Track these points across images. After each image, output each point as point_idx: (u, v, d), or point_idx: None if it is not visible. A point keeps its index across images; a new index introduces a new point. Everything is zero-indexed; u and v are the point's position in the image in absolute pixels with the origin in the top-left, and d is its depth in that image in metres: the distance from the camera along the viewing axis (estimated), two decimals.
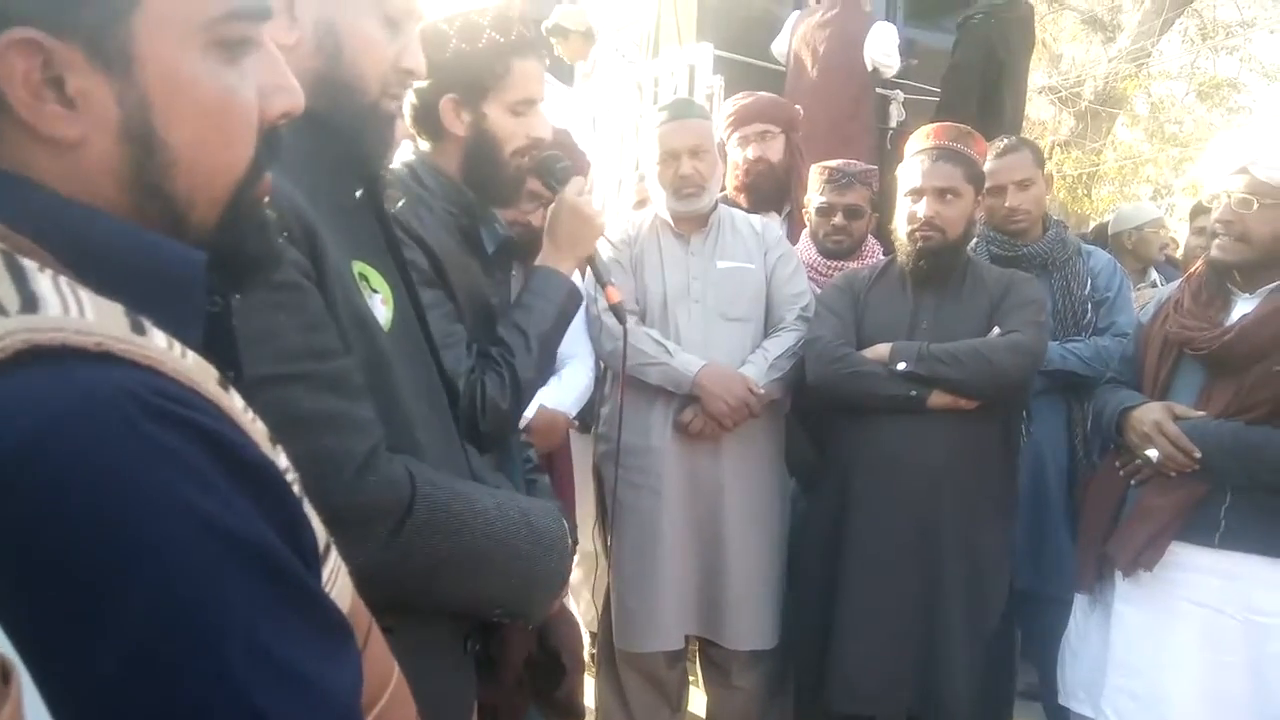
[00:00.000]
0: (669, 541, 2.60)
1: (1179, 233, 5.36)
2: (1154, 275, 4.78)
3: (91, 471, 0.49)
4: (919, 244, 2.49)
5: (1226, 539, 2.14)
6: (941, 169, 2.49)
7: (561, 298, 1.74)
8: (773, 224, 3.04)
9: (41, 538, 0.48)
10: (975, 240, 2.89)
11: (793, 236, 3.12)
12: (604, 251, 2.68)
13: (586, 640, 3.19)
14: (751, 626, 2.64)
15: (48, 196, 0.60)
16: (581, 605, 3.40)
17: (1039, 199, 3.01)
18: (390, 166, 1.31)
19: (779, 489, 2.73)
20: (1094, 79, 12.45)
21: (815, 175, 3.07)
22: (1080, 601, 2.45)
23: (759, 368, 2.59)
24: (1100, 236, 4.87)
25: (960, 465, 2.42)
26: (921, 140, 2.59)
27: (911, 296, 2.56)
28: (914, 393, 2.41)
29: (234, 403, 0.59)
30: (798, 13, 4.69)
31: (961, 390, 2.40)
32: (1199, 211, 4.18)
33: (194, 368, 0.56)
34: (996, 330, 2.45)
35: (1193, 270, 2.38)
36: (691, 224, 2.70)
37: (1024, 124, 4.95)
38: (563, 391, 2.65)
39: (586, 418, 2.88)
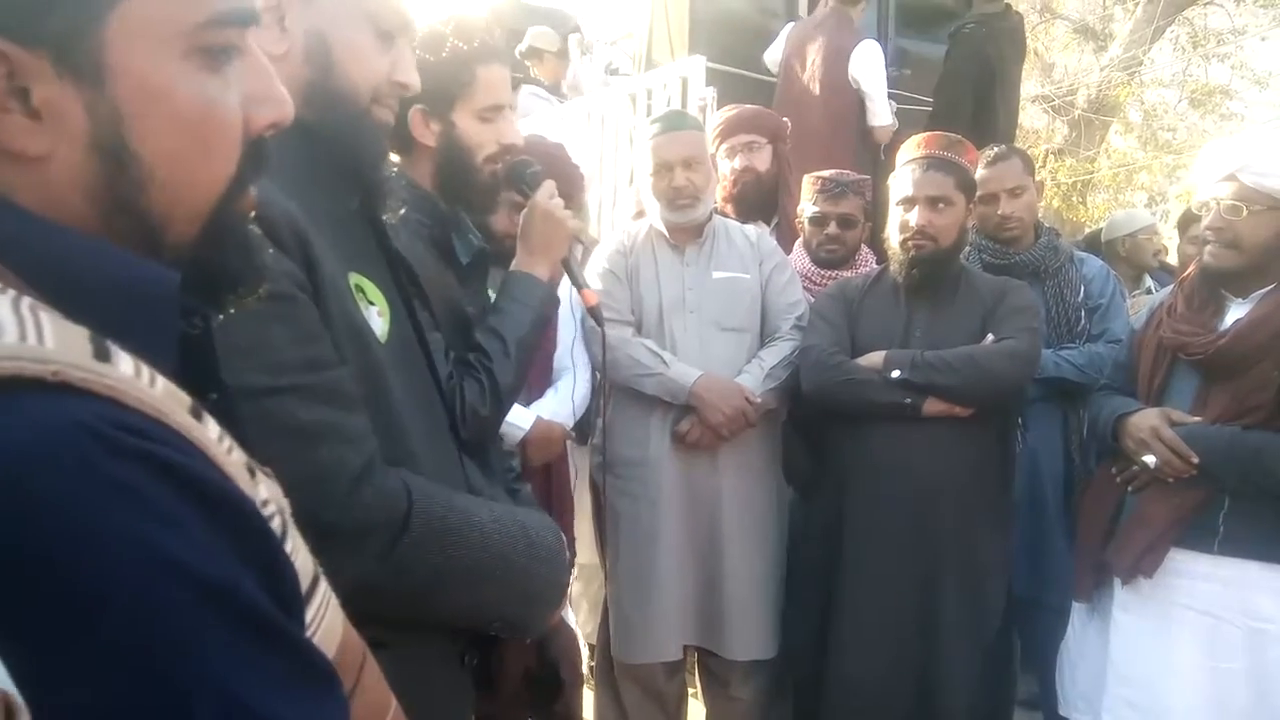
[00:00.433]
0: (667, 552, 2.59)
1: (1173, 239, 5.37)
2: (1149, 282, 4.78)
3: (44, 513, 0.45)
4: (912, 253, 2.50)
5: (1225, 545, 2.14)
6: (933, 178, 2.50)
7: (537, 302, 1.75)
8: (767, 234, 3.05)
9: None
10: (968, 249, 2.90)
11: (782, 247, 3.13)
12: (599, 263, 2.72)
13: (585, 653, 3.18)
14: (750, 637, 2.63)
15: (12, 211, 0.56)
16: (581, 617, 3.39)
17: (1031, 206, 3.02)
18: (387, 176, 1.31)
19: (776, 498, 2.73)
20: (1087, 87, 12.51)
21: (808, 185, 3.08)
22: (1078, 610, 2.44)
23: (755, 377, 2.59)
24: (1093, 244, 4.87)
25: (956, 472, 2.42)
26: (912, 149, 2.60)
27: (905, 305, 2.57)
28: (909, 400, 2.41)
29: (207, 433, 0.55)
30: (793, 24, 4.71)
31: (956, 397, 2.40)
32: (1188, 220, 4.20)
33: (162, 396, 0.53)
34: (990, 337, 2.45)
35: (1185, 275, 2.39)
36: (686, 235, 2.71)
37: (1017, 133, 4.97)
38: (560, 403, 2.64)
39: (584, 429, 2.87)
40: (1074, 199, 13.02)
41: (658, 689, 2.72)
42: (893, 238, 2.56)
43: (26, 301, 0.50)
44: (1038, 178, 3.17)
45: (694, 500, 2.61)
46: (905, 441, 2.43)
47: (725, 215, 3.13)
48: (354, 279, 1.13)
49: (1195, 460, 2.13)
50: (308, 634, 0.61)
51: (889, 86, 4.42)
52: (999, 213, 2.95)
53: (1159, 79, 14.10)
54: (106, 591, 0.45)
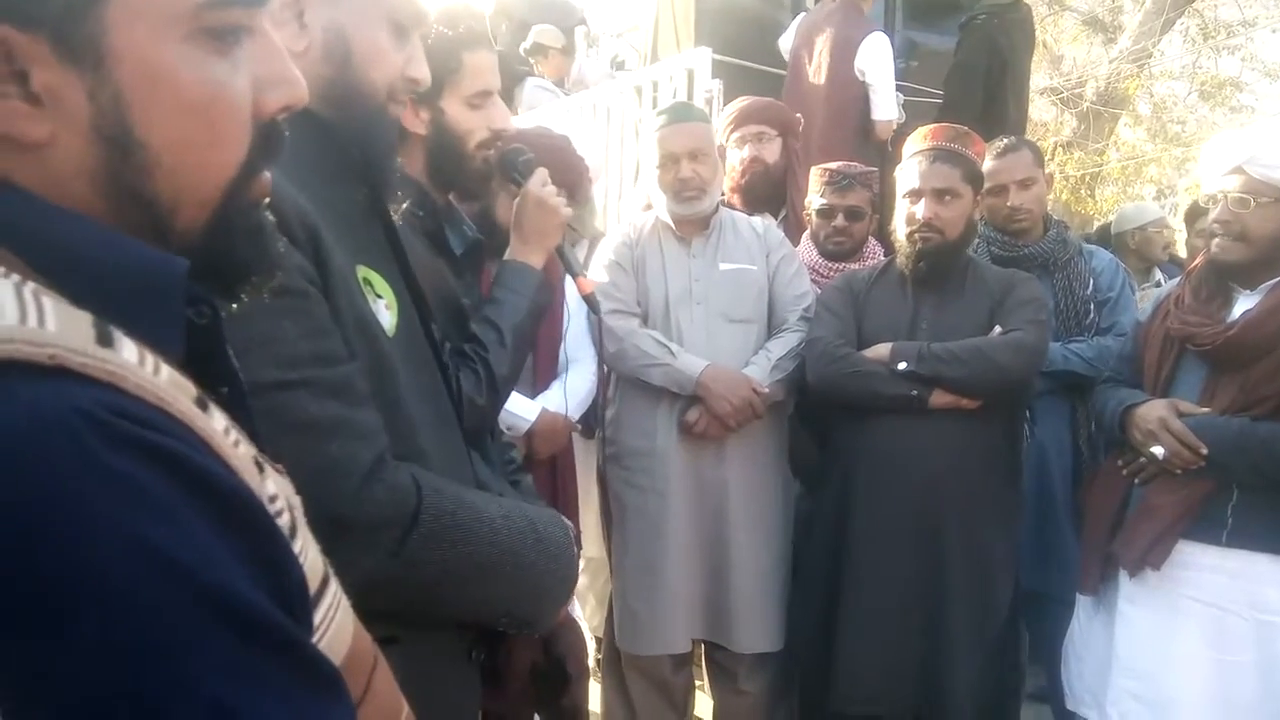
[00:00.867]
0: (674, 544, 2.59)
1: (1182, 233, 5.34)
2: (1158, 275, 4.77)
3: (33, 502, 0.43)
4: (918, 245, 2.49)
5: (1234, 537, 2.14)
6: (939, 170, 2.49)
7: (532, 291, 1.74)
8: (774, 226, 3.05)
9: None
10: (976, 241, 2.89)
11: (790, 240, 3.13)
12: (606, 255, 2.72)
13: (591, 646, 3.19)
14: (758, 629, 2.63)
15: (16, 196, 0.54)
16: (588, 609, 3.40)
17: (1040, 198, 3.01)
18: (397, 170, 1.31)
19: (783, 490, 2.73)
20: (1095, 80, 12.43)
21: (815, 177, 3.08)
22: (1084, 603, 2.44)
23: (762, 368, 2.59)
24: (1103, 238, 4.86)
25: (963, 465, 2.42)
26: (919, 141, 2.59)
27: (911, 297, 2.56)
28: (915, 392, 2.41)
29: (213, 424, 0.53)
30: (805, 14, 4.68)
31: (963, 389, 2.40)
32: (1195, 214, 4.18)
33: (165, 385, 0.51)
34: (997, 330, 2.44)
35: (1193, 267, 2.38)
36: (693, 227, 2.71)
37: (1027, 125, 4.95)
38: (565, 395, 2.64)
39: (590, 422, 2.88)
40: (1082, 192, 12.96)
41: (665, 681, 2.73)
42: (899, 230, 2.56)
43: (30, 286, 0.49)
44: (1046, 170, 3.15)
45: (701, 492, 2.61)
46: (911, 434, 2.43)
47: (732, 206, 3.13)
48: (362, 272, 1.12)
49: (1204, 451, 2.13)
50: (316, 636, 0.59)
51: (896, 78, 4.40)
52: (1008, 204, 2.94)
53: (1168, 71, 14.02)
54: (90, 586, 0.43)
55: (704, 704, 2.97)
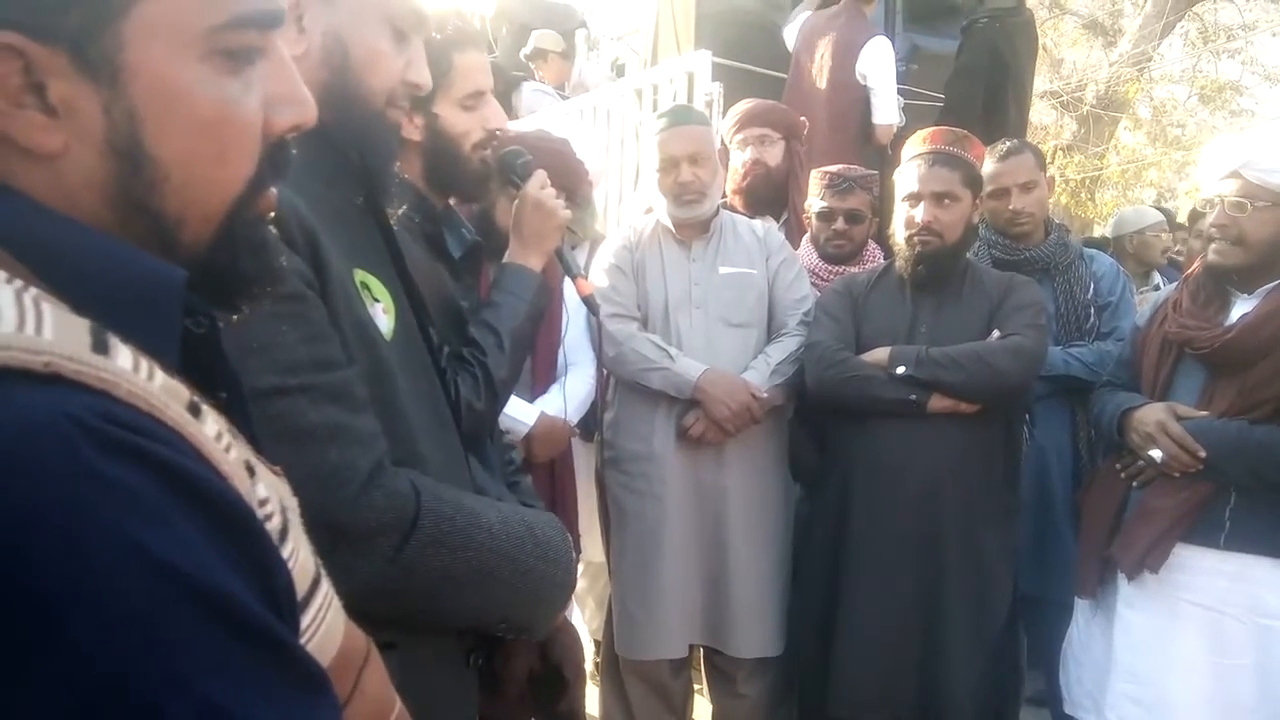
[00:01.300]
0: (672, 548, 2.59)
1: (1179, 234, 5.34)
2: (1157, 278, 4.77)
3: (27, 506, 0.44)
4: (917, 249, 2.49)
5: (1232, 540, 2.14)
6: (938, 173, 2.49)
7: (531, 294, 1.74)
8: (775, 229, 3.04)
9: None
10: (977, 244, 2.89)
11: (791, 243, 3.13)
12: (606, 258, 2.71)
13: (590, 650, 3.19)
14: (757, 634, 2.63)
15: (23, 204, 0.56)
16: (587, 613, 3.39)
17: (1042, 201, 3.00)
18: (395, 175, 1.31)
19: (783, 495, 2.72)
20: (1095, 83, 12.44)
21: (815, 180, 3.08)
22: (1082, 607, 2.44)
23: (761, 373, 2.59)
24: (1102, 245, 4.85)
25: (962, 469, 2.42)
26: (918, 145, 2.59)
27: (910, 301, 2.56)
28: (914, 397, 2.41)
29: (204, 430, 0.54)
30: (808, 13, 4.67)
31: (962, 394, 2.40)
32: (1196, 216, 4.18)
33: (157, 391, 0.52)
34: (996, 334, 2.44)
35: (1190, 271, 2.38)
36: (693, 230, 2.71)
37: (1027, 129, 4.95)
38: (564, 399, 2.64)
39: (589, 425, 2.88)
40: (1082, 195, 12.96)
41: (663, 685, 2.72)
42: (898, 233, 2.56)
43: (32, 292, 0.50)
44: (1047, 174, 3.14)
45: (700, 496, 2.61)
46: (910, 438, 2.43)
47: (733, 208, 3.13)
48: (359, 276, 1.12)
49: (1202, 455, 2.13)
50: (305, 637, 0.60)
51: (897, 82, 4.40)
52: (1010, 208, 2.93)
53: (1168, 75, 14.01)
54: (84, 588, 0.44)
55: (703, 708, 2.97)
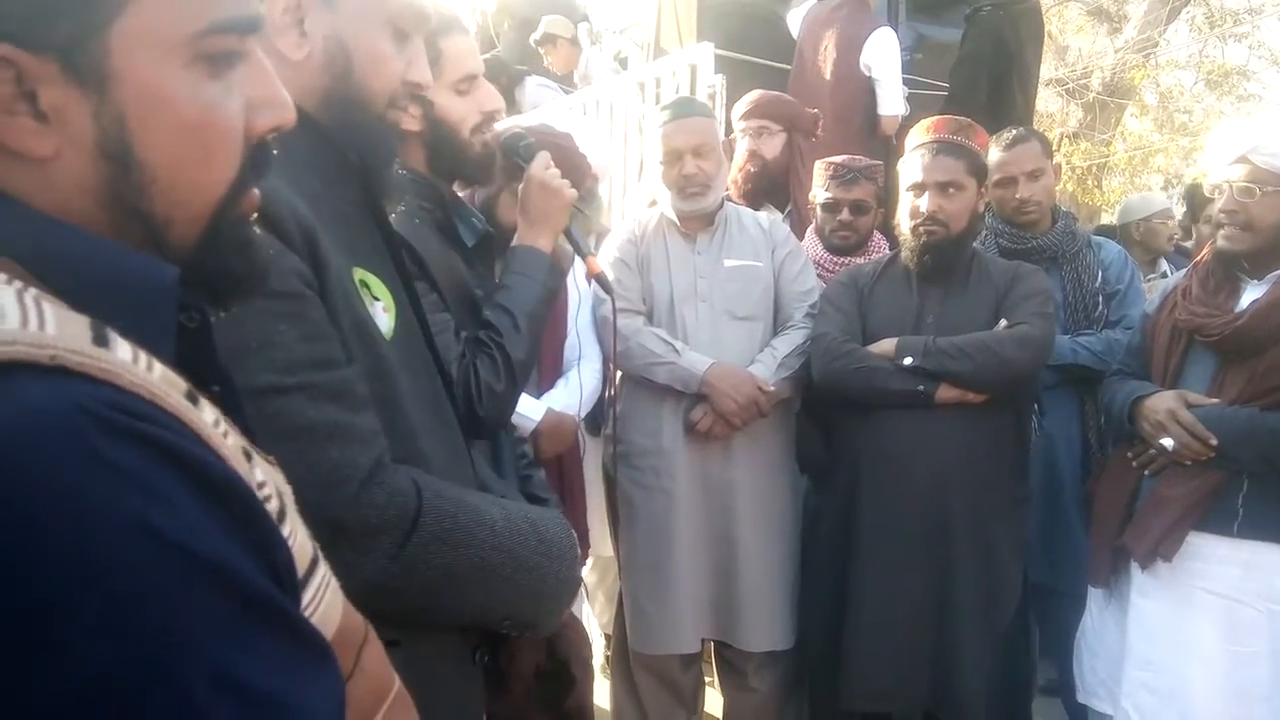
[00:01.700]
0: (681, 543, 2.59)
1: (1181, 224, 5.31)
2: (1164, 265, 4.74)
3: (40, 490, 0.46)
4: (923, 239, 2.48)
5: (1245, 527, 2.13)
6: (943, 163, 2.47)
7: (542, 274, 1.74)
8: (780, 221, 3.03)
9: None
10: (984, 233, 2.87)
11: (794, 235, 3.13)
12: (610, 252, 2.71)
13: (600, 645, 3.19)
14: (767, 627, 2.62)
15: (19, 209, 0.58)
16: (596, 608, 3.39)
17: (1049, 189, 2.98)
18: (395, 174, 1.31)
19: (791, 488, 2.72)
20: (1101, 70, 12.38)
21: (820, 171, 3.07)
22: (1095, 596, 2.43)
23: (768, 366, 2.58)
24: (1109, 233, 4.83)
25: (970, 459, 2.41)
26: (921, 134, 2.57)
27: (916, 291, 2.55)
28: (921, 387, 2.39)
29: (202, 416, 0.57)
30: (812, 1, 4.64)
31: (969, 384, 2.38)
32: (1195, 194, 4.15)
33: (158, 381, 0.54)
34: (1003, 323, 2.43)
35: (1200, 258, 2.37)
36: (697, 223, 2.70)
37: (1033, 118, 4.93)
38: (571, 394, 2.64)
39: (596, 420, 2.87)
40: (1089, 183, 12.92)
41: (674, 679, 2.72)
42: (903, 224, 2.54)
43: (32, 292, 0.52)
44: (1053, 162, 3.12)
45: (708, 490, 2.61)
46: (918, 429, 2.41)
47: (729, 198, 3.12)
48: (359, 274, 1.11)
49: (1214, 442, 2.12)
50: (306, 613, 0.62)
51: (902, 72, 4.38)
52: (1017, 196, 2.90)
53: (1174, 60, 13.95)
54: (100, 566, 0.47)
55: (714, 700, 2.96)
